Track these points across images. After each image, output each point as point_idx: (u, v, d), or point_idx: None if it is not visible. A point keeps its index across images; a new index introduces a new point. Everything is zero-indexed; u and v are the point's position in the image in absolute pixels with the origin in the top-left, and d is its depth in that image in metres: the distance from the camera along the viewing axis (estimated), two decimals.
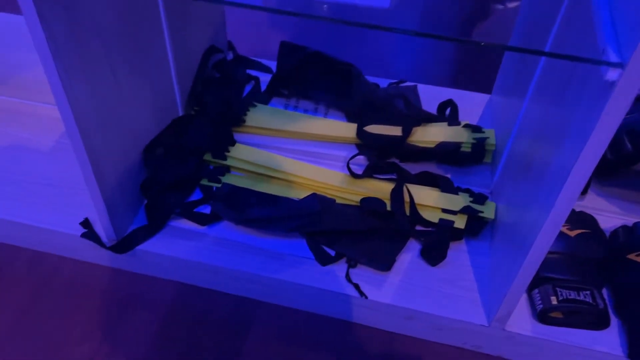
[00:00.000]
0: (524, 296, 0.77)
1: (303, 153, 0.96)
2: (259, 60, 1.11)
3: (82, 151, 0.69)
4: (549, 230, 0.59)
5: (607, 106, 0.47)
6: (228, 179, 0.90)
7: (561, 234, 0.78)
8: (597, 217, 0.84)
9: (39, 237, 0.85)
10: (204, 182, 0.89)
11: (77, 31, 0.63)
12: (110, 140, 0.74)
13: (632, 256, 0.76)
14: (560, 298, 0.72)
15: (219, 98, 0.98)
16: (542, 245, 0.61)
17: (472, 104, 1.06)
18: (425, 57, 1.30)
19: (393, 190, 0.84)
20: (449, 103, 1.03)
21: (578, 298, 0.72)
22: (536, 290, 0.75)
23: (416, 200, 0.84)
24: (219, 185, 0.88)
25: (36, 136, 0.97)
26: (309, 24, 1.34)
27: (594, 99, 0.51)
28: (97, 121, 0.70)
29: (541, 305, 0.73)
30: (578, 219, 0.82)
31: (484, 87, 1.09)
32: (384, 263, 0.79)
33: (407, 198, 0.84)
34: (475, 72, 1.23)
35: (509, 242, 0.72)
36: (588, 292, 0.73)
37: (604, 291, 0.77)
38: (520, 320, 0.74)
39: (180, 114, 0.96)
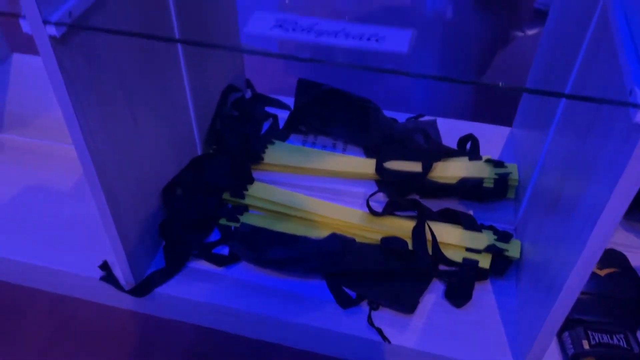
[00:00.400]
0: (554, 339, 0.74)
1: (322, 190, 0.95)
2: (277, 97, 1.11)
3: (100, 193, 0.68)
4: (581, 271, 0.57)
5: (638, 148, 0.46)
6: (247, 218, 0.89)
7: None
8: (627, 254, 0.80)
9: (57, 279, 0.85)
10: (223, 221, 0.88)
11: (95, 75, 0.64)
12: (128, 183, 0.74)
13: None
14: (593, 342, 0.69)
15: (237, 136, 0.98)
16: (573, 287, 0.59)
17: (492, 138, 1.04)
18: (443, 91, 1.29)
19: (414, 229, 0.83)
20: (470, 137, 1.01)
21: (611, 342, 0.69)
22: (566, 334, 0.72)
23: (438, 239, 0.82)
24: (238, 224, 0.87)
25: (54, 177, 0.97)
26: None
27: (622, 140, 0.49)
28: (115, 162, 0.70)
29: (572, 350, 0.70)
30: (607, 256, 0.79)
31: (504, 119, 1.08)
32: (407, 305, 0.76)
33: (429, 236, 0.82)
34: (495, 104, 1.22)
35: (537, 282, 0.70)
36: (622, 335, 0.70)
37: (639, 334, 0.73)
38: None
39: (199, 153, 0.96)
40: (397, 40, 0.54)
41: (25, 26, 0.56)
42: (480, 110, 1.22)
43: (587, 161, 0.59)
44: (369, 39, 0.53)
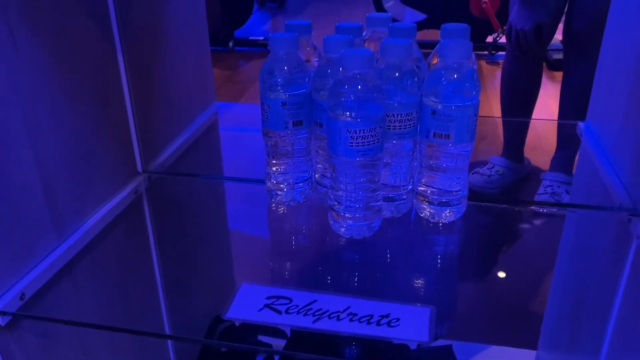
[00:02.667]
0: None
1: None
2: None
3: None
4: None
5: None
6: None
7: None
8: None
9: None
10: None
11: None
12: None
13: None
14: None
15: None
16: None
17: None
18: (456, 309, 1.19)
19: None
20: None
21: None
22: None
23: None
24: None
25: None
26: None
27: None
28: None
29: None
30: None
31: (528, 340, 0.96)
32: None
33: None
34: (515, 322, 1.10)
35: None
36: None
37: None
38: None
39: None
40: (414, 323, 0.44)
41: None
42: (500, 332, 1.10)
43: None
44: (379, 324, 0.44)
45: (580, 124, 0.81)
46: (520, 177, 1.68)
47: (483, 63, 2.85)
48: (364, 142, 0.50)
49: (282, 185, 0.61)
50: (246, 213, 0.69)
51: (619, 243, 0.61)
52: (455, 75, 0.51)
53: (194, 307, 0.82)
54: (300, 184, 0.61)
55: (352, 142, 0.50)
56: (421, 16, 2.95)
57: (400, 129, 0.54)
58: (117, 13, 0.61)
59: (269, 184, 0.62)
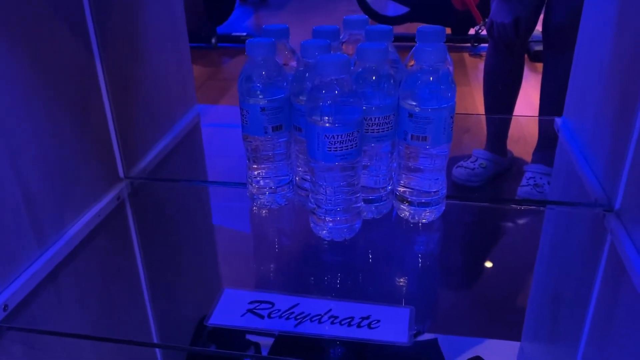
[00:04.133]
0: None
1: None
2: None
3: None
4: None
5: None
6: None
7: None
8: None
9: None
10: None
11: None
12: None
13: None
14: None
15: None
16: None
17: (501, 355, 0.93)
18: (440, 304, 1.20)
19: None
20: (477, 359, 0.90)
21: None
22: None
23: None
24: None
25: None
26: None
27: None
28: None
29: None
30: None
31: (511, 332, 0.97)
32: None
33: None
34: (499, 315, 1.12)
35: None
36: None
37: None
38: None
39: None
40: (394, 325, 0.45)
41: None
42: (484, 325, 1.11)
43: None
44: (360, 326, 0.45)
45: (558, 120, 0.82)
46: (503, 169, 1.70)
47: (466, 55, 2.87)
48: (342, 147, 0.50)
49: (263, 190, 0.62)
50: (229, 217, 0.70)
51: (595, 238, 0.62)
52: (431, 79, 0.52)
53: (180, 310, 0.83)
54: (282, 188, 0.62)
55: (330, 147, 0.50)
56: (403, 9, 2.96)
57: (379, 132, 0.54)
58: (93, 17, 0.60)
59: (250, 188, 0.62)
